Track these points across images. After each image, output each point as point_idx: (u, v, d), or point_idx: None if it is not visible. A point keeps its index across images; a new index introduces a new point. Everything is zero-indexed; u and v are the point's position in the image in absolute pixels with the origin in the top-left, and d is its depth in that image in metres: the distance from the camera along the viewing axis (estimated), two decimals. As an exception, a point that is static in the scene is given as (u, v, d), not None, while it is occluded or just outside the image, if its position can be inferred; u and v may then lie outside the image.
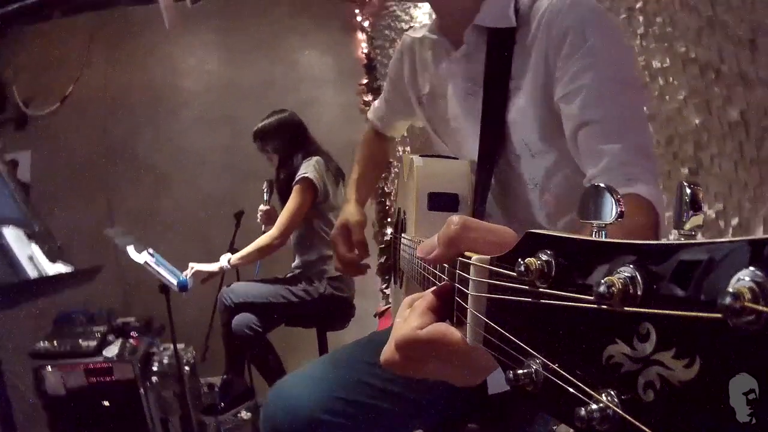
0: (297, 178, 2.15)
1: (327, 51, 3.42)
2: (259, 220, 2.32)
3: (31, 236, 1.17)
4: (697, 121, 1.27)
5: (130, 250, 1.79)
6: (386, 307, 2.81)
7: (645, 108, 0.85)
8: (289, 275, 2.30)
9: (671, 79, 1.33)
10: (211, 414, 2.11)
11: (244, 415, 2.58)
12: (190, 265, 2.16)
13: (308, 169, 2.17)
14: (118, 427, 1.95)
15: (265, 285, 2.19)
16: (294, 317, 2.25)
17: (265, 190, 2.33)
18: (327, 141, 2.63)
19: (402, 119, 1.26)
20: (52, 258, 1.20)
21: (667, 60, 1.33)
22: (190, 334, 2.55)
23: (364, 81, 3.39)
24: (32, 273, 1.04)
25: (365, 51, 3.39)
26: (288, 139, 2.29)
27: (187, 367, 2.21)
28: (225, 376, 2.19)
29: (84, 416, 1.90)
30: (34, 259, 1.09)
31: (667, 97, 1.35)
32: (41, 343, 1.92)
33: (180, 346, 2.51)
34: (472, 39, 0.91)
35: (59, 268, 1.21)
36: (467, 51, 0.93)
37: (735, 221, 1.21)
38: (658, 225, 0.71)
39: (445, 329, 0.39)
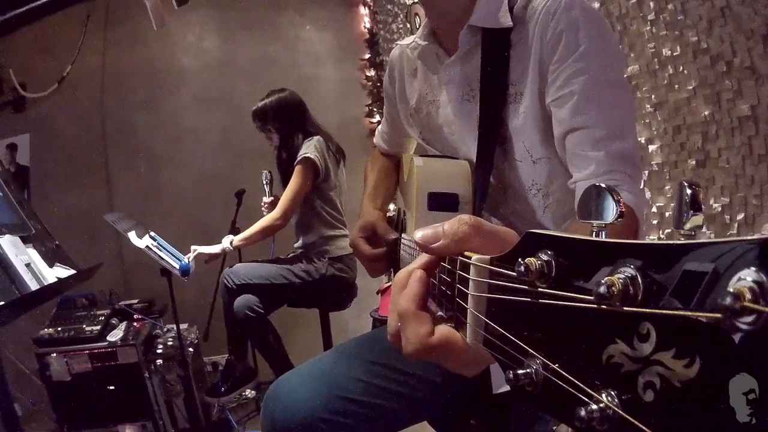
0: (298, 159, 2.13)
1: (326, 27, 3.33)
2: (264, 211, 2.31)
3: (28, 240, 1.15)
4: (705, 113, 1.24)
5: (131, 235, 1.78)
6: (388, 284, 2.83)
7: (633, 111, 0.87)
8: (290, 255, 2.30)
9: (681, 68, 1.29)
10: (214, 396, 2.15)
11: (249, 393, 2.63)
12: (192, 247, 2.15)
13: (309, 149, 2.14)
14: (123, 410, 1.98)
15: (266, 266, 2.19)
16: (296, 298, 2.27)
17: (265, 181, 2.31)
18: (327, 117, 2.59)
19: (408, 137, 1.21)
20: (50, 261, 1.19)
21: (678, 48, 1.29)
22: (192, 314, 2.58)
23: (366, 56, 3.32)
24: (32, 284, 1.04)
25: (367, 26, 3.30)
26: (288, 118, 2.25)
27: (190, 349, 2.24)
28: (229, 358, 2.22)
29: (89, 400, 1.93)
30: (32, 267, 1.08)
31: (676, 86, 1.32)
32: (45, 330, 1.93)
33: (183, 326, 2.53)
34: (467, 41, 0.89)
35: (58, 271, 1.20)
36: (462, 54, 0.91)
37: (741, 216, 1.20)
38: (637, 231, 0.74)
39: (451, 334, 0.40)
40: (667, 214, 1.44)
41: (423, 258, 0.44)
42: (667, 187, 1.42)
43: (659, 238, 1.46)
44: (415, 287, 0.42)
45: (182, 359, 2.06)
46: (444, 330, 0.40)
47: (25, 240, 1.13)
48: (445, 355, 0.40)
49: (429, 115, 1.01)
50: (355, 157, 2.99)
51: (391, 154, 1.27)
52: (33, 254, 1.11)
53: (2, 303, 0.93)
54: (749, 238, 0.17)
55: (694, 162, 1.31)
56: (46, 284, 1.08)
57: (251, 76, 3.11)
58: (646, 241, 0.22)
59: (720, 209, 1.25)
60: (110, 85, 2.93)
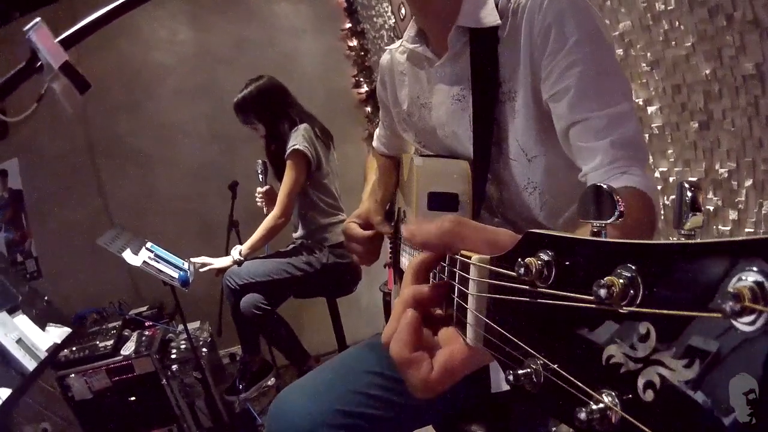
0: (288, 152, 2.07)
1: (301, -1, 3.16)
2: (259, 203, 2.27)
3: (15, 309, 1.13)
4: (707, 71, 1.15)
5: (126, 255, 1.76)
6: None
7: (631, 96, 0.82)
8: (290, 247, 2.28)
9: (677, 22, 1.19)
10: (233, 394, 2.18)
11: (270, 381, 2.69)
12: (203, 260, 2.12)
13: (297, 140, 2.08)
14: (148, 418, 2.04)
15: (267, 262, 2.18)
16: (300, 290, 2.27)
17: (260, 171, 2.26)
18: (313, 92, 2.50)
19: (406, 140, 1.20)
20: (42, 323, 1.17)
21: (672, 1, 1.18)
22: (204, 309, 2.60)
23: (347, 25, 3.16)
24: (25, 360, 1.02)
25: (344, -7, 3.13)
26: (270, 106, 2.18)
27: (204, 349, 2.26)
28: (243, 355, 2.24)
29: (114, 414, 1.98)
30: (23, 342, 1.06)
31: (673, 42, 1.22)
32: (61, 352, 1.95)
33: (195, 324, 2.56)
34: (456, 42, 0.88)
35: (52, 333, 1.18)
36: (451, 55, 0.89)
37: (749, 182, 1.13)
38: (654, 212, 0.73)
39: (448, 357, 0.39)
40: (671, 179, 1.37)
41: (415, 290, 0.43)
42: (669, 151, 1.34)
43: (664, 205, 1.40)
44: (405, 332, 0.41)
45: (197, 362, 2.09)
46: (442, 357, 0.40)
47: (12, 309, 1.11)
48: (452, 378, 0.40)
49: (422, 118, 1.01)
50: (345, 129, 2.90)
51: (392, 157, 1.26)
52: (23, 323, 1.09)
53: (10, 391, 0.92)
54: (749, 238, 0.17)
55: (696, 124, 1.23)
56: (42, 358, 1.06)
57: (231, 61, 3.00)
58: (646, 241, 0.22)
59: (727, 175, 1.17)
60: (89, 94, 2.82)
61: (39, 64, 0.62)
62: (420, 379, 0.39)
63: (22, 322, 1.09)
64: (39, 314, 1.16)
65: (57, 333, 1.19)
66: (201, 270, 2.07)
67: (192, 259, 2.09)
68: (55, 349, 1.16)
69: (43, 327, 1.15)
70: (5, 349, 0.99)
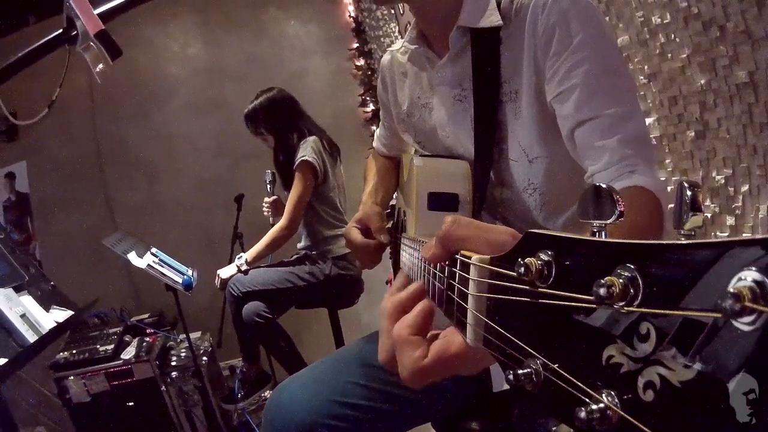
0: (296, 163, 2.10)
1: (311, 20, 3.26)
2: (265, 212, 2.29)
3: (21, 287, 1.14)
4: (702, 82, 1.19)
5: (131, 256, 1.78)
6: (397, 275, 2.80)
7: (636, 94, 0.84)
8: (293, 257, 2.29)
9: (672, 36, 1.24)
10: (231, 402, 2.17)
11: (267, 394, 2.66)
12: (218, 272, 2.16)
13: (306, 151, 2.12)
14: (145, 425, 2.01)
15: (270, 271, 2.19)
16: (302, 300, 2.27)
17: (268, 181, 2.29)
18: (321, 110, 2.56)
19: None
20: (46, 304, 1.18)
21: (668, 15, 1.23)
22: (205, 320, 2.60)
23: (354, 45, 3.26)
24: (28, 335, 1.03)
25: (352, 14, 3.23)
26: (281, 117, 2.22)
27: (204, 358, 2.26)
28: (243, 363, 2.23)
29: (111, 419, 1.96)
30: (27, 317, 1.07)
31: (669, 54, 1.26)
32: (60, 354, 1.95)
33: (196, 334, 2.56)
34: (457, 42, 0.89)
35: (55, 314, 1.20)
36: (452, 55, 0.90)
37: (745, 188, 1.15)
38: (662, 212, 0.72)
39: (444, 347, 0.40)
40: (669, 188, 1.40)
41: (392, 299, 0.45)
42: (667, 161, 1.38)
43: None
44: (413, 316, 0.42)
45: (196, 369, 2.08)
46: (438, 347, 0.40)
47: (18, 288, 1.12)
48: (444, 370, 0.40)
49: (422, 118, 1.01)
50: (352, 148, 2.95)
51: (392, 157, 1.27)
52: (27, 302, 1.11)
53: (5, 360, 0.93)
54: (749, 237, 0.17)
55: (693, 133, 1.26)
56: (43, 333, 1.08)
57: (240, 77, 3.07)
58: (646, 241, 0.22)
59: (723, 181, 1.20)
60: (100, 102, 2.92)
61: (74, 33, 0.65)
62: (413, 361, 0.40)
63: (27, 301, 1.10)
64: (43, 296, 1.17)
65: (60, 315, 1.20)
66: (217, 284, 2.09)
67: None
68: (57, 328, 1.16)
69: (47, 308, 1.16)
70: (8, 320, 1.00)
